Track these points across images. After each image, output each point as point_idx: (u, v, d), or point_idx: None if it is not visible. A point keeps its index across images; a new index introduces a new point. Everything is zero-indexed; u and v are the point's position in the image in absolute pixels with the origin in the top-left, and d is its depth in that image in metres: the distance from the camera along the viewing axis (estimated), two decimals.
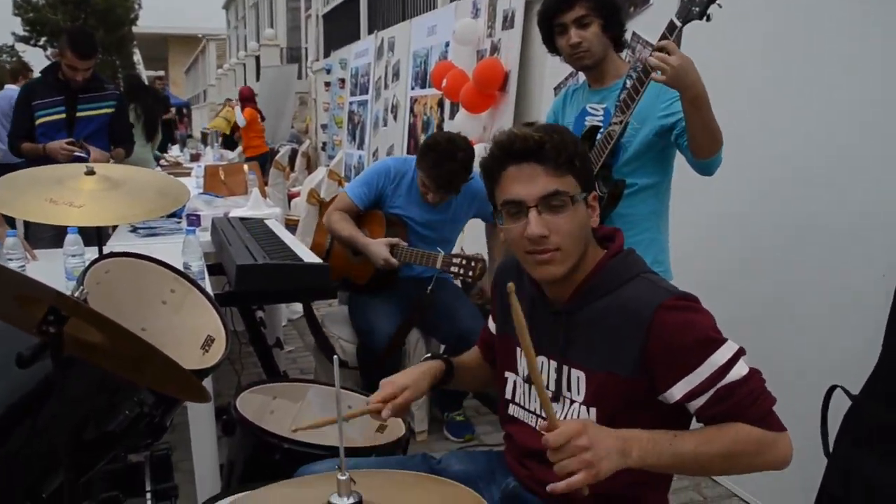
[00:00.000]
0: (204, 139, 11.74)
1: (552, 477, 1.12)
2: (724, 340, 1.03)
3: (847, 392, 1.76)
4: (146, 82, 7.70)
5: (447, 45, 4.67)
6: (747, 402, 1.00)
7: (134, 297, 1.50)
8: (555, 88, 3.26)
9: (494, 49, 3.94)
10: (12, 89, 4.56)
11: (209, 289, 1.84)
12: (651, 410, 1.06)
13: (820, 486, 1.78)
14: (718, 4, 1.52)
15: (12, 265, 2.04)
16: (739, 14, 1.56)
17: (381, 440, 1.60)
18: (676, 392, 1.02)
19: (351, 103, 7.26)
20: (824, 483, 1.78)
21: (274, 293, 2.26)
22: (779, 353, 1.98)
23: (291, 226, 4.11)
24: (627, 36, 1.94)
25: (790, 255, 2.09)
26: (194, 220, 2.85)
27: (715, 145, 1.60)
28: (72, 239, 2.13)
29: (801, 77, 2.07)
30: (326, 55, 9.70)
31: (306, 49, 12.79)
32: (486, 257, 2.88)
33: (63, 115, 3.13)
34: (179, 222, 2.98)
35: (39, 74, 3.34)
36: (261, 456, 1.50)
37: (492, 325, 1.33)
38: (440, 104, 4.76)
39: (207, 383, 1.51)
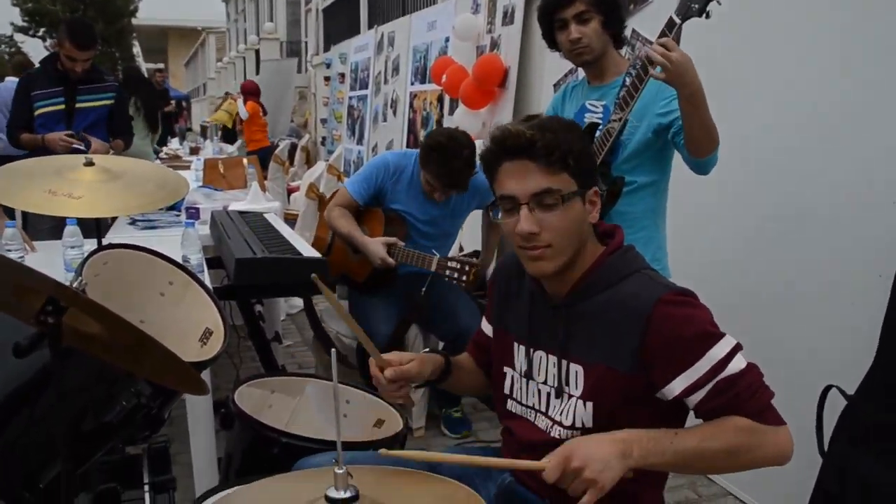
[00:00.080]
0: (203, 132, 11.72)
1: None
2: (722, 335, 1.03)
3: (843, 392, 1.76)
4: (146, 75, 7.68)
5: (447, 40, 4.66)
6: (746, 395, 1.01)
7: (132, 289, 1.50)
8: (554, 85, 3.26)
9: (494, 45, 3.93)
10: (13, 81, 4.55)
11: (208, 282, 1.84)
12: (649, 406, 1.06)
13: (815, 485, 1.79)
14: (718, 2, 1.51)
15: (11, 256, 2.04)
16: (738, 11, 1.55)
17: (378, 435, 1.61)
18: (676, 387, 1.02)
19: (350, 98, 7.25)
20: (819, 481, 1.78)
21: (272, 287, 2.26)
22: (775, 352, 1.98)
23: (290, 220, 4.11)
24: (627, 33, 1.93)
25: (787, 255, 2.09)
26: (193, 213, 2.84)
27: (711, 144, 1.60)
28: (71, 230, 2.12)
29: (799, 73, 2.07)
30: (326, 49, 9.68)
31: (306, 43, 12.74)
32: (481, 256, 2.89)
33: (62, 107, 3.12)
34: (178, 215, 2.98)
35: (38, 65, 3.32)
36: (259, 449, 1.50)
37: (485, 326, 1.32)
38: (440, 100, 4.75)
39: (205, 376, 1.50)
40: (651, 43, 1.51)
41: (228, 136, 8.91)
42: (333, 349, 0.96)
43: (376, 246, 2.35)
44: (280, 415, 1.74)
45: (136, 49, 20.67)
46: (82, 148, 2.93)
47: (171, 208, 2.98)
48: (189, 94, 20.78)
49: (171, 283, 1.55)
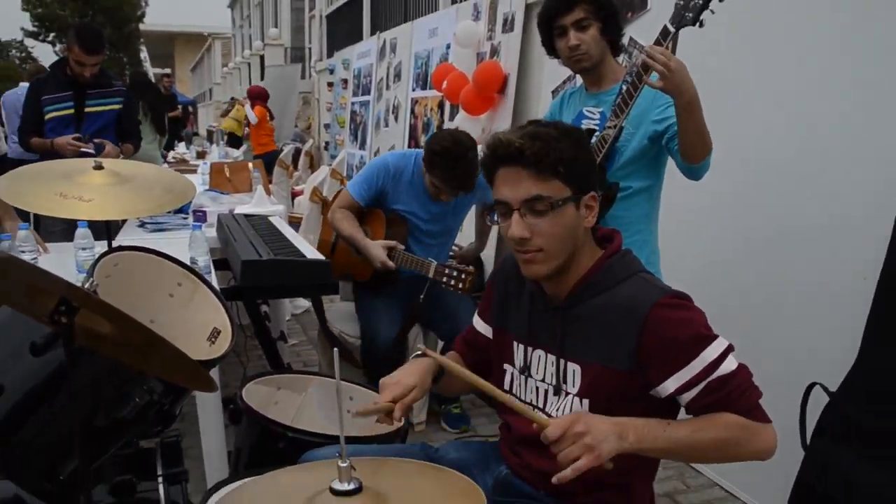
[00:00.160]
0: (210, 137, 11.71)
1: (542, 463, 1.14)
2: (715, 337, 1.05)
3: (825, 389, 1.78)
4: (153, 79, 7.69)
5: (448, 47, 4.67)
6: (736, 394, 1.03)
7: (143, 290, 1.52)
8: (553, 91, 3.27)
9: (494, 52, 3.94)
10: (26, 87, 4.57)
11: (215, 283, 1.85)
12: (642, 403, 1.08)
13: (797, 478, 1.81)
14: (711, 10, 1.52)
15: (24, 257, 2.04)
16: (731, 20, 1.57)
17: (380, 430, 1.62)
18: (670, 385, 1.04)
19: (353, 103, 7.26)
20: (801, 474, 1.80)
21: (278, 288, 2.27)
22: (761, 351, 1.99)
23: (295, 223, 4.12)
24: (624, 41, 1.94)
25: (776, 259, 2.11)
26: (200, 216, 2.85)
27: (705, 150, 1.61)
28: (82, 232, 2.14)
29: (789, 82, 2.09)
30: (329, 55, 9.69)
31: (310, 49, 12.76)
32: (475, 244, 2.89)
33: (72, 111, 3.12)
34: (186, 218, 2.99)
35: (48, 70, 3.32)
36: (266, 444, 1.52)
37: (478, 324, 1.33)
38: (440, 106, 4.77)
39: (214, 374, 1.52)
40: (645, 49, 1.51)
41: (234, 140, 8.92)
42: (336, 348, 0.98)
43: (377, 250, 2.36)
44: (286, 410, 1.76)
45: (144, 54, 20.69)
46: (91, 151, 2.94)
47: (179, 211, 3.00)
48: (195, 99, 20.78)
49: (180, 284, 1.56)
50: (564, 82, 3.12)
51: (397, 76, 5.79)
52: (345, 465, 0.86)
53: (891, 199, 1.73)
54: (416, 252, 2.47)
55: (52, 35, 24.42)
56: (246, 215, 2.92)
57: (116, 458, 1.32)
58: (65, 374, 1.05)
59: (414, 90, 5.37)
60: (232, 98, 12.76)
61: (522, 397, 1.22)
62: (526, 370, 1.20)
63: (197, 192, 3.15)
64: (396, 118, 5.72)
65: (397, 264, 2.37)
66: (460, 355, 1.35)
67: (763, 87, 2.18)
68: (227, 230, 2.53)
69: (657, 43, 1.53)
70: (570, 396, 1.12)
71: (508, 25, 3.82)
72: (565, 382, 1.13)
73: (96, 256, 1.54)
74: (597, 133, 1.74)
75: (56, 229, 2.91)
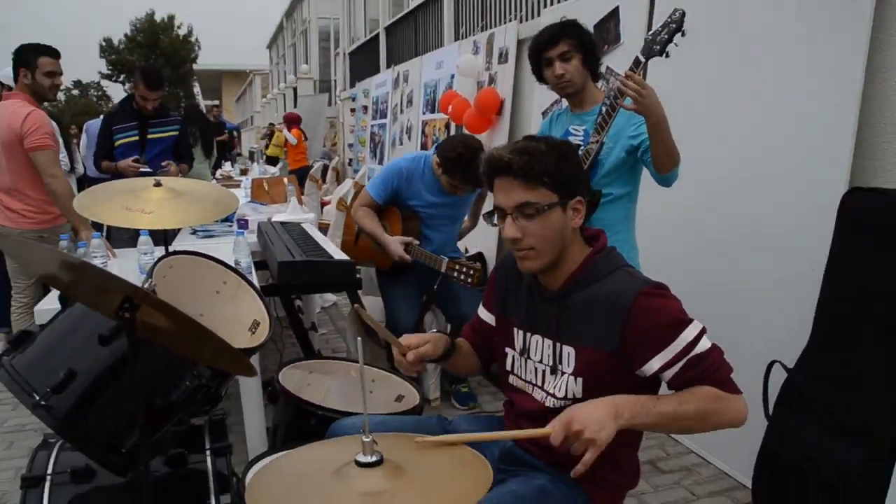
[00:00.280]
0: (251, 157, 11.75)
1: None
2: (691, 320, 1.04)
3: (784, 366, 1.76)
4: (204, 110, 7.72)
5: (452, 77, 4.66)
6: (711, 370, 1.02)
7: (193, 288, 1.51)
8: (543, 113, 3.25)
9: (492, 80, 3.92)
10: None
11: (255, 281, 1.84)
12: (629, 380, 1.06)
13: (761, 444, 1.78)
14: (675, 44, 1.52)
15: (96, 261, 2.05)
16: (692, 51, 1.56)
17: (399, 408, 1.60)
18: (654, 364, 1.03)
19: (372, 126, 7.25)
20: (765, 441, 1.78)
21: (309, 285, 2.26)
22: (727, 333, 1.98)
23: (323, 228, 4.11)
24: (602, 69, 1.93)
25: (739, 254, 2.08)
26: (243, 223, 2.85)
27: (673, 162, 1.60)
28: (143, 240, 2.14)
29: (743, 101, 2.07)
30: (352, 86, 9.69)
31: (335, 81, 12.76)
32: (485, 261, 2.88)
33: (136, 138, 3.15)
34: (231, 226, 2.99)
35: (117, 104, 3.36)
36: (300, 421, 1.51)
37: (483, 314, 1.31)
38: (447, 126, 4.75)
39: (254, 360, 1.51)
40: (620, 77, 1.51)
41: (271, 159, 8.95)
42: (359, 338, 0.96)
43: (395, 245, 2.34)
44: (317, 391, 1.75)
45: (197, 89, 20.81)
46: (148, 170, 2.98)
47: (225, 220, 3.00)
48: (239, 125, 20.87)
49: (225, 282, 1.55)
50: (552, 105, 3.09)
51: (409, 102, 5.78)
52: (368, 440, 0.84)
53: (831, 205, 1.71)
54: (430, 236, 2.47)
55: (122, 76, 24.77)
56: (282, 223, 2.92)
57: (171, 434, 1.30)
58: (127, 362, 1.03)
59: (424, 114, 5.36)
60: (270, 123, 12.79)
61: (523, 376, 1.19)
62: (525, 353, 1.18)
63: (240, 203, 3.16)
64: (409, 137, 5.71)
65: (413, 258, 2.35)
66: (468, 341, 1.33)
67: (722, 109, 2.16)
68: (265, 236, 2.52)
69: (630, 70, 1.52)
70: (565, 375, 1.10)
71: (503, 58, 3.80)
72: (561, 363, 1.11)
73: (155, 260, 1.53)
74: (581, 147, 1.73)
75: (123, 237, 2.94)
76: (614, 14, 2.72)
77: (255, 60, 27.08)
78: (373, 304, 2.78)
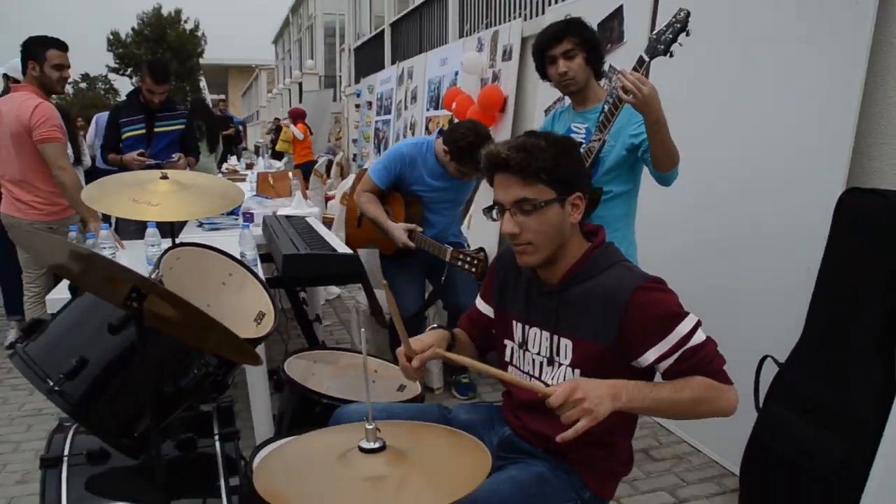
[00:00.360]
0: (257, 151, 11.74)
1: (540, 426, 1.13)
2: (686, 314, 1.05)
3: (776, 361, 1.77)
4: (210, 104, 7.70)
5: (456, 73, 4.65)
6: (705, 361, 1.03)
7: (200, 280, 1.52)
8: (545, 110, 3.25)
9: (495, 77, 3.92)
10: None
11: (261, 273, 1.85)
12: (625, 372, 1.06)
13: (750, 435, 1.80)
14: (680, 44, 1.51)
15: (105, 252, 2.06)
16: (692, 51, 1.56)
17: (401, 398, 1.62)
18: (650, 356, 1.04)
19: (376, 122, 7.25)
20: (754, 432, 1.79)
21: (313, 277, 2.27)
22: (721, 329, 1.99)
23: (327, 222, 4.12)
24: (605, 67, 1.93)
25: (736, 252, 2.08)
26: (249, 217, 2.85)
27: (672, 161, 1.60)
28: (151, 231, 2.15)
29: (743, 101, 2.06)
30: (357, 82, 9.67)
31: (340, 76, 12.73)
32: (486, 254, 2.87)
33: (143, 131, 3.15)
34: (237, 219, 2.99)
35: (125, 97, 3.36)
36: (304, 408, 1.52)
37: (481, 306, 1.32)
38: (450, 123, 4.74)
39: (260, 350, 1.52)
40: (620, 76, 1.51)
41: (276, 154, 8.96)
42: (363, 329, 0.97)
43: (399, 232, 2.32)
44: (321, 380, 1.76)
45: (203, 83, 20.78)
46: (152, 163, 2.99)
47: (231, 213, 3.00)
48: (245, 120, 20.81)
49: (231, 274, 1.56)
50: (555, 102, 3.09)
51: (413, 98, 5.77)
52: (371, 426, 0.85)
53: (828, 205, 1.71)
54: (432, 220, 2.45)
55: (129, 70, 24.80)
56: (287, 216, 2.92)
57: (181, 419, 1.32)
58: (136, 350, 1.05)
59: (428, 110, 5.35)
60: (275, 118, 12.76)
61: (521, 368, 1.20)
62: (524, 345, 1.19)
63: (245, 197, 3.15)
64: (413, 133, 5.70)
65: (417, 245, 2.33)
66: (466, 332, 1.34)
67: (722, 109, 2.16)
68: (270, 229, 2.53)
69: (634, 69, 1.52)
70: (563, 367, 1.11)
71: (507, 55, 3.79)
72: (558, 355, 1.12)
73: (162, 251, 1.54)
74: (584, 146, 1.73)
75: (130, 229, 2.94)
76: (618, 13, 2.72)
77: (261, 55, 27.03)
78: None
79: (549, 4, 3.89)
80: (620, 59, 2.58)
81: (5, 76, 3.45)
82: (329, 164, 7.60)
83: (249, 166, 7.11)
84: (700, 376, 1.02)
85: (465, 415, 1.29)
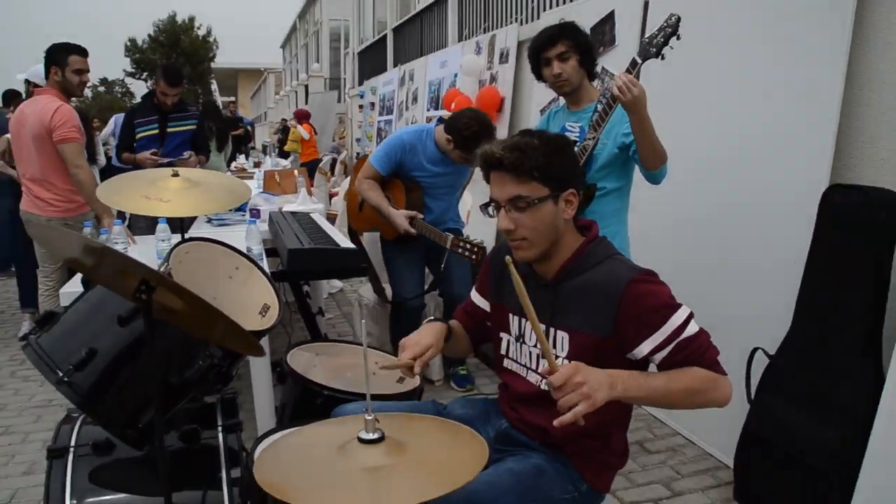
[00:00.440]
0: (264, 150, 11.71)
1: (536, 418, 1.11)
2: (679, 305, 1.03)
3: (766, 353, 1.75)
4: (220, 106, 7.67)
5: (455, 75, 4.62)
6: (699, 352, 1.01)
7: (208, 273, 1.50)
8: (541, 110, 3.22)
9: (493, 79, 3.89)
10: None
11: (266, 267, 1.83)
12: (620, 363, 1.04)
13: (743, 426, 1.78)
14: (671, 47, 1.50)
15: (117, 247, 2.05)
16: (679, 52, 1.54)
17: (400, 389, 1.60)
18: (645, 348, 1.02)
19: (379, 122, 7.21)
20: (747, 424, 1.78)
21: (317, 271, 2.25)
22: (715, 321, 1.98)
23: (331, 218, 4.10)
24: (598, 69, 1.91)
25: (724, 247, 2.06)
26: (255, 213, 2.84)
27: (658, 160, 1.59)
28: (161, 227, 2.14)
29: (731, 102, 2.04)
30: (360, 83, 9.62)
31: (345, 79, 12.67)
32: (487, 238, 2.85)
33: (156, 131, 3.15)
34: (244, 215, 2.98)
35: (140, 100, 3.35)
36: (306, 400, 1.50)
37: (476, 299, 1.29)
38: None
39: (264, 342, 1.51)
40: (615, 77, 1.50)
41: (283, 153, 8.93)
42: (363, 320, 0.95)
43: (401, 219, 2.28)
44: (323, 373, 1.74)
45: (214, 86, 20.71)
46: (164, 162, 2.98)
47: (238, 209, 2.99)
48: (254, 121, 20.76)
49: (238, 268, 1.54)
50: (550, 102, 3.07)
51: (415, 99, 5.74)
52: (370, 418, 0.83)
53: (813, 200, 1.70)
54: (430, 205, 2.41)
55: (145, 74, 24.80)
56: (292, 212, 2.91)
57: (185, 411, 1.30)
58: (144, 342, 1.03)
59: (428, 110, 5.32)
60: (283, 119, 12.71)
61: (518, 360, 1.18)
62: (520, 338, 1.17)
63: (253, 193, 3.14)
64: None
65: (418, 231, 2.29)
66: (462, 324, 1.32)
67: (710, 108, 2.14)
68: (276, 224, 2.51)
69: (627, 71, 1.52)
70: (559, 359, 1.09)
71: (504, 58, 3.76)
72: (554, 347, 1.10)
73: (172, 246, 1.53)
74: (578, 144, 1.71)
75: (142, 225, 2.94)
76: (610, 18, 2.70)
77: (270, 59, 26.98)
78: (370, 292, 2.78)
79: (544, 9, 3.86)
80: (612, 62, 2.56)
81: (27, 81, 3.45)
82: (333, 162, 7.58)
83: (257, 165, 7.09)
84: (695, 367, 1.00)
85: (460, 409, 1.27)
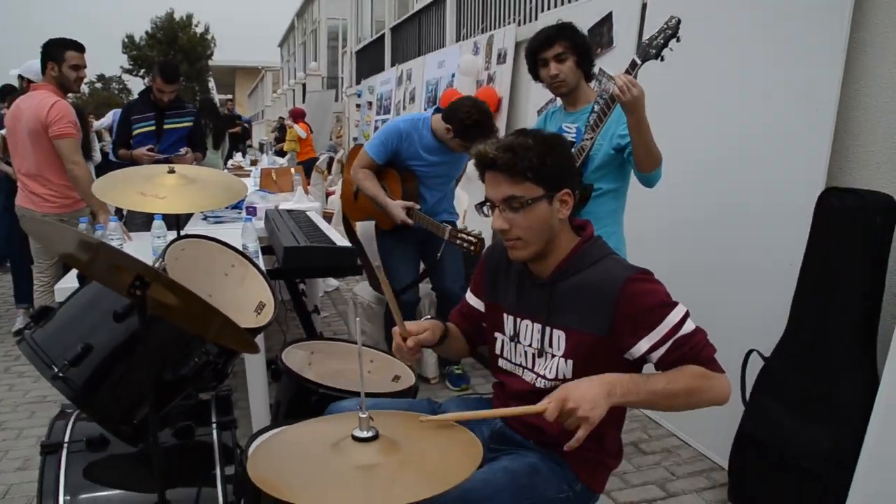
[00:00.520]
0: (261, 148, 11.67)
1: (532, 418, 1.10)
2: (675, 304, 1.03)
3: (761, 355, 1.75)
4: (218, 104, 7.64)
5: (453, 75, 4.61)
6: (697, 349, 1.01)
7: (203, 270, 1.49)
8: (538, 111, 3.22)
9: (490, 79, 3.89)
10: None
11: (262, 265, 1.82)
12: (618, 362, 1.04)
13: (738, 428, 1.79)
14: (671, 49, 1.50)
15: (113, 243, 2.03)
16: (677, 53, 1.54)
17: (395, 388, 1.60)
18: (642, 346, 1.01)
19: (376, 121, 7.19)
20: (741, 425, 1.78)
21: (313, 269, 2.24)
22: (709, 323, 1.98)
23: (327, 217, 4.09)
24: (595, 70, 1.91)
25: (721, 249, 2.07)
26: (251, 210, 2.83)
27: (654, 162, 1.59)
28: (157, 224, 2.13)
29: (730, 104, 2.04)
30: (358, 83, 9.59)
31: (342, 78, 12.64)
32: (484, 236, 2.84)
33: (153, 127, 3.14)
34: (240, 212, 2.97)
35: (137, 96, 3.34)
36: (301, 398, 1.50)
37: (471, 300, 1.29)
38: None
39: (259, 340, 1.50)
40: (613, 79, 1.50)
41: (279, 151, 8.92)
42: (358, 318, 0.95)
43: (397, 209, 2.26)
44: (318, 371, 1.74)
45: (211, 84, 20.64)
46: (160, 158, 2.97)
47: (235, 207, 2.99)
48: (251, 119, 20.69)
49: (233, 265, 1.54)
50: (547, 103, 3.07)
51: (412, 99, 5.73)
52: (364, 416, 0.83)
53: (810, 197, 1.70)
54: (424, 195, 2.39)
55: (142, 71, 24.72)
56: (288, 210, 2.90)
57: (179, 408, 1.30)
58: (139, 338, 1.02)
59: (426, 110, 5.31)
60: (280, 117, 12.67)
61: (513, 359, 1.18)
62: (515, 337, 1.17)
63: (249, 191, 3.13)
64: None
65: (415, 222, 2.28)
66: (457, 326, 1.31)
67: (709, 111, 2.14)
68: (272, 222, 2.50)
69: (626, 72, 1.52)
70: (556, 358, 1.09)
71: (501, 58, 3.76)
72: (550, 346, 1.10)
73: (168, 242, 1.52)
74: (576, 145, 1.71)
75: (138, 221, 2.92)
76: (607, 19, 2.70)
77: (267, 58, 26.87)
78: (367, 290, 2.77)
79: (542, 10, 3.86)
80: (609, 63, 2.56)
81: (20, 77, 3.42)
82: (330, 161, 7.55)
83: (254, 163, 7.06)
84: (692, 365, 1.00)
85: (455, 408, 1.26)
